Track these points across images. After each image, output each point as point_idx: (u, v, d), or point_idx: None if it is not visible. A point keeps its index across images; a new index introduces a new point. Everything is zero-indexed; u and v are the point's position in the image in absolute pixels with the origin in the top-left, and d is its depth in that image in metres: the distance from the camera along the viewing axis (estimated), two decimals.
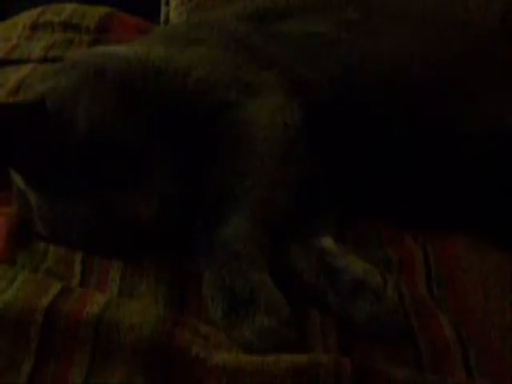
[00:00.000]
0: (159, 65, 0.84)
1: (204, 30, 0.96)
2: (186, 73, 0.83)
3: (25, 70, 1.17)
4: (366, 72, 0.89)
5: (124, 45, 0.96)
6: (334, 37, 0.93)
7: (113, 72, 0.81)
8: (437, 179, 0.87)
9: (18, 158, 0.77)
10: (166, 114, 0.79)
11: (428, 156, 0.86)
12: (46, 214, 0.78)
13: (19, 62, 1.22)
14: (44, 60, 1.23)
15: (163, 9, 1.46)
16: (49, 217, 0.78)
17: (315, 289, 0.72)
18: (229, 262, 0.70)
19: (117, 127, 0.77)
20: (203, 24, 0.99)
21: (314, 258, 0.73)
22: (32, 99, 0.78)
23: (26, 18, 1.42)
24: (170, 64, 0.84)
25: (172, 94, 0.81)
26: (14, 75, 1.14)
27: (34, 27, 1.37)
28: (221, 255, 0.71)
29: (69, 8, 1.45)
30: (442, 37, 0.92)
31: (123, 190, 0.75)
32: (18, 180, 0.81)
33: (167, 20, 1.44)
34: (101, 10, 1.44)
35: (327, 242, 0.74)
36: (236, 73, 0.86)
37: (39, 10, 1.44)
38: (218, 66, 0.86)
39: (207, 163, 0.77)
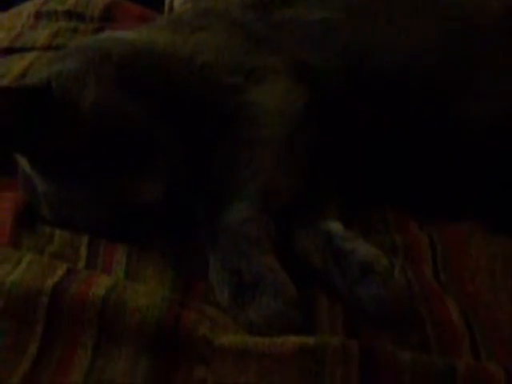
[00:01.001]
0: (165, 50, 0.84)
1: (209, 17, 0.95)
2: (191, 58, 0.83)
3: (29, 57, 1.17)
4: (369, 57, 0.88)
5: (129, 31, 0.95)
6: (338, 22, 0.92)
7: (118, 56, 0.81)
8: (443, 165, 0.86)
9: (24, 142, 0.76)
10: (171, 99, 0.78)
11: (434, 142, 0.86)
12: (52, 198, 0.78)
13: (23, 50, 1.21)
14: (48, 48, 1.23)
15: None
16: (54, 201, 0.78)
17: (322, 272, 0.72)
18: (235, 246, 0.69)
19: (122, 111, 0.76)
20: (208, 12, 0.98)
21: (321, 241, 0.73)
22: (38, 83, 0.78)
23: (29, 6, 1.42)
24: (175, 49, 0.84)
25: (177, 79, 0.81)
26: (18, 63, 1.14)
27: (38, 16, 1.37)
28: (226, 239, 0.70)
29: None
30: (447, 22, 0.92)
31: (129, 174, 0.75)
32: (23, 164, 0.80)
33: (171, 9, 1.44)
34: None
35: (335, 226, 0.74)
36: (241, 58, 0.86)
37: None
38: (223, 52, 0.86)
39: (212, 148, 0.77)
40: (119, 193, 0.75)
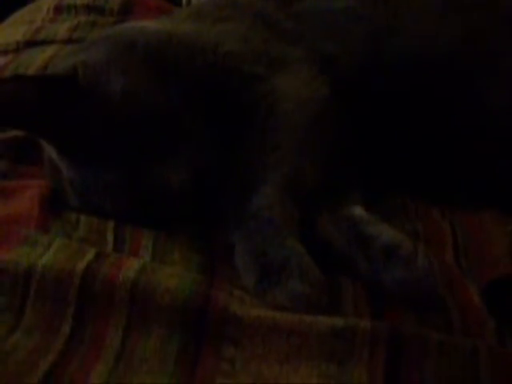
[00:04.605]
0: (188, 40, 0.85)
1: (230, 8, 0.97)
2: (215, 47, 0.84)
3: (50, 50, 1.19)
4: (392, 45, 0.89)
5: (152, 21, 0.96)
6: (359, 12, 0.93)
7: (143, 45, 0.82)
8: (464, 153, 0.87)
9: (51, 130, 0.78)
10: (195, 87, 0.79)
11: (455, 129, 0.86)
12: (78, 185, 0.79)
13: (44, 43, 1.23)
14: (68, 41, 1.24)
15: None
16: (81, 187, 0.79)
17: (346, 257, 0.72)
18: (261, 230, 0.70)
19: (148, 99, 0.77)
20: (229, 3, 0.99)
21: (344, 226, 0.74)
22: (64, 72, 0.79)
23: (49, 1, 1.44)
24: (198, 39, 0.85)
25: (201, 68, 0.82)
26: (40, 56, 1.16)
27: (58, 10, 1.38)
28: (252, 224, 0.71)
29: None
30: (468, 11, 0.92)
31: (155, 161, 0.76)
32: (50, 152, 0.82)
33: (189, 2, 1.45)
34: None
35: (358, 211, 0.75)
36: (264, 48, 0.87)
37: None
38: (245, 42, 0.87)
39: (237, 135, 0.78)
40: (146, 179, 0.76)
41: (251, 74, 0.82)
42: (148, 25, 0.92)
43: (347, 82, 0.85)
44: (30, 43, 1.23)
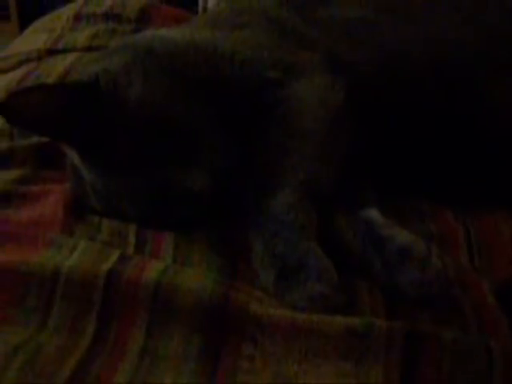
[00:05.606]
0: (206, 47, 0.87)
1: (247, 15, 0.99)
2: (232, 54, 0.86)
3: (70, 58, 1.21)
4: (405, 53, 0.91)
5: (170, 29, 0.99)
6: (374, 21, 0.95)
7: (163, 53, 0.84)
8: (477, 156, 0.88)
9: (74, 136, 0.80)
10: (214, 93, 0.81)
11: (468, 132, 0.88)
12: (100, 189, 0.81)
13: (65, 51, 1.25)
14: (88, 49, 1.27)
15: None
16: (103, 191, 0.81)
17: (362, 258, 0.74)
18: (279, 232, 0.72)
19: (168, 105, 0.79)
20: (245, 10, 1.01)
21: (360, 228, 0.75)
22: (86, 79, 0.81)
23: (68, 9, 1.47)
24: (216, 46, 0.87)
25: (220, 74, 0.84)
26: (60, 63, 1.18)
27: (77, 18, 1.41)
28: (271, 226, 0.73)
29: (109, 0, 1.49)
30: (481, 20, 0.94)
31: (176, 165, 0.78)
32: (72, 157, 0.84)
33: (205, 10, 1.48)
34: (140, 1, 1.48)
35: (373, 213, 0.76)
36: (280, 54, 0.89)
37: (81, 2, 1.49)
38: (262, 48, 0.89)
39: (256, 139, 0.80)
40: (167, 183, 0.78)
41: (268, 80, 0.84)
42: (167, 33, 0.94)
43: (360, 87, 0.87)
44: (52, 51, 1.25)
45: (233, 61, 0.85)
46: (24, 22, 2.08)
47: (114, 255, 0.70)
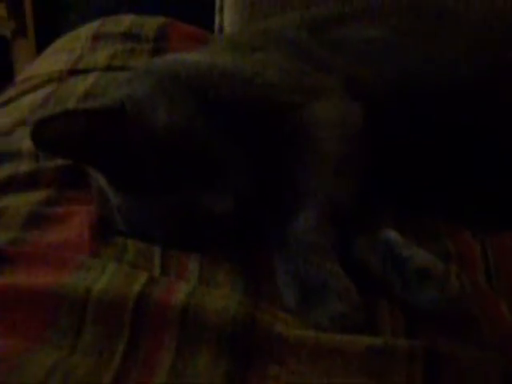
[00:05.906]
0: (227, 71, 0.89)
1: (266, 38, 1.01)
2: (252, 78, 0.88)
3: (91, 78, 1.23)
4: (420, 74, 0.93)
5: (192, 53, 1.01)
6: (388, 41, 0.97)
7: (186, 77, 0.86)
8: (494, 177, 0.90)
9: (100, 159, 0.82)
10: (236, 116, 0.83)
11: (484, 152, 0.90)
12: (126, 211, 0.83)
13: (85, 71, 1.28)
14: (108, 69, 1.28)
15: (217, 17, 1.51)
16: (128, 213, 0.83)
17: (382, 278, 0.75)
18: (302, 254, 0.74)
19: (193, 130, 0.82)
20: (264, 33, 1.04)
21: (379, 249, 0.77)
22: (112, 104, 0.84)
23: (87, 29, 1.49)
24: (237, 70, 0.90)
25: (240, 99, 0.86)
26: (82, 83, 1.21)
27: (96, 38, 1.43)
28: (294, 248, 0.75)
29: (127, 19, 1.51)
30: (496, 41, 0.96)
31: (200, 189, 0.80)
32: (98, 179, 0.86)
33: (221, 28, 1.50)
34: (158, 20, 1.50)
35: (392, 234, 0.77)
36: (299, 77, 0.91)
37: (99, 22, 1.51)
38: (282, 72, 0.91)
39: (277, 162, 0.82)
40: (192, 206, 0.80)
41: (288, 103, 0.86)
42: (188, 57, 0.96)
43: (377, 108, 0.89)
44: (73, 72, 1.28)
45: (253, 85, 0.87)
46: (40, 39, 2.12)
47: (143, 277, 0.72)
